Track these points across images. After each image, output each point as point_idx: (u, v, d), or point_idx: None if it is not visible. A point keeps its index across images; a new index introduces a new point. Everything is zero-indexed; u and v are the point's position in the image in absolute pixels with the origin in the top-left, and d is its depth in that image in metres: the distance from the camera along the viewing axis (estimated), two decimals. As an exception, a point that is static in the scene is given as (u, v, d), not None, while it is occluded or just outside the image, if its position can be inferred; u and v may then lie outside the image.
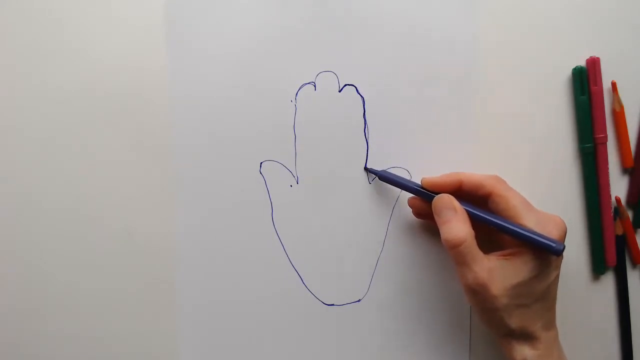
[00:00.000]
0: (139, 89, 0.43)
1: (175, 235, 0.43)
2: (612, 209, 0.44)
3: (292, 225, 0.44)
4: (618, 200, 0.44)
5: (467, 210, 0.38)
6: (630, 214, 0.44)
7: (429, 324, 0.44)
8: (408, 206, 0.43)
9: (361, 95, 0.43)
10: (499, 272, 0.36)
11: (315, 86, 0.43)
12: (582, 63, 0.43)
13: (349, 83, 0.43)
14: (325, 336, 0.44)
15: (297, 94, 0.43)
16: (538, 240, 0.36)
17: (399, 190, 0.43)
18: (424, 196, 0.40)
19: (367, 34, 0.43)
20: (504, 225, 0.37)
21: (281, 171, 0.43)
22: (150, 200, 0.43)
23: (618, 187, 0.44)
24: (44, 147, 0.43)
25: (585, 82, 0.43)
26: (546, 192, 0.44)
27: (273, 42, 0.43)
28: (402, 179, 0.42)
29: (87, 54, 0.43)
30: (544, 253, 0.37)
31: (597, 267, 0.44)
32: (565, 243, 0.44)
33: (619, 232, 0.44)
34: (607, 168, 0.43)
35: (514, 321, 0.37)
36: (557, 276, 0.38)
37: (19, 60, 0.43)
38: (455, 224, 0.37)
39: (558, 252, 0.36)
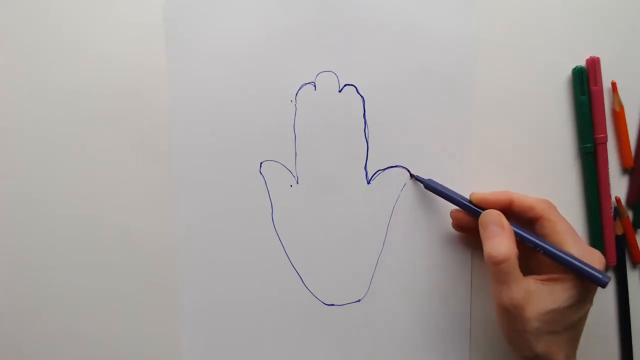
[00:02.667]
0: (139, 89, 0.43)
1: (175, 235, 0.43)
2: (612, 209, 0.44)
3: (292, 225, 0.44)
4: (618, 200, 0.44)
5: (514, 230, 0.38)
6: (630, 214, 0.44)
7: (429, 324, 0.44)
8: (450, 217, 0.42)
9: (361, 95, 0.43)
10: (535, 296, 0.36)
11: (315, 86, 0.43)
12: (582, 63, 0.43)
13: (349, 83, 0.43)
14: (325, 336, 0.44)
15: (297, 94, 0.43)
16: (586, 270, 0.36)
17: (399, 190, 0.43)
18: (470, 211, 0.40)
19: (367, 34, 0.43)
20: (551, 250, 0.37)
21: (281, 171, 0.43)
22: (150, 200, 0.43)
23: (618, 187, 0.44)
24: (44, 147, 0.43)
25: (585, 82, 0.43)
26: (546, 192, 0.44)
27: (273, 42, 0.43)
28: (449, 190, 0.41)
29: (87, 53, 0.43)
30: (584, 283, 0.36)
31: (597, 267, 0.44)
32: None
33: (619, 232, 0.44)
34: (607, 168, 0.43)
35: (541, 346, 0.37)
36: (589, 309, 0.38)
37: (19, 60, 0.43)
38: (501, 240, 0.37)
39: (604, 284, 0.36)
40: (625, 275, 0.45)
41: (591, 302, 0.38)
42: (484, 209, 0.39)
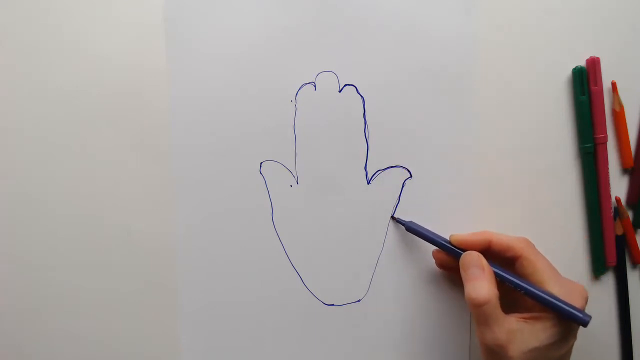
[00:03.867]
0: (139, 89, 0.43)
1: (175, 235, 0.43)
2: (612, 209, 0.44)
3: (292, 225, 0.44)
4: (618, 200, 0.44)
5: (494, 271, 0.38)
6: (630, 214, 0.44)
7: (429, 324, 0.44)
8: (432, 257, 0.43)
9: (361, 95, 0.43)
10: (518, 335, 0.36)
11: (315, 86, 0.43)
12: (582, 63, 0.43)
13: (349, 83, 0.43)
14: (325, 336, 0.44)
15: (297, 94, 0.43)
16: (566, 310, 0.36)
17: (399, 191, 0.43)
18: (451, 252, 0.40)
19: (367, 34, 0.43)
20: (532, 291, 0.37)
21: (281, 171, 0.43)
22: (150, 200, 0.43)
23: (618, 187, 0.44)
24: (44, 147, 0.43)
25: (585, 82, 0.43)
26: (546, 192, 0.44)
27: (273, 42, 0.43)
28: (430, 232, 0.42)
29: (87, 54, 0.43)
30: (566, 321, 0.37)
31: (597, 267, 0.44)
32: (565, 243, 0.44)
33: (619, 232, 0.44)
34: (607, 168, 0.43)
35: None
36: (573, 344, 0.38)
37: (19, 60, 0.43)
38: (481, 283, 0.37)
39: (585, 323, 0.36)
40: (625, 275, 0.45)
41: (575, 337, 0.38)
42: (464, 250, 0.40)
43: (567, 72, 0.43)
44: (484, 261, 0.38)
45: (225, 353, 0.44)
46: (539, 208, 0.44)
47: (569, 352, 0.38)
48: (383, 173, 0.43)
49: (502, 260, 0.39)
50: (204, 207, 0.43)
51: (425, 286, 0.44)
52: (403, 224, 0.43)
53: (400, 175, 0.43)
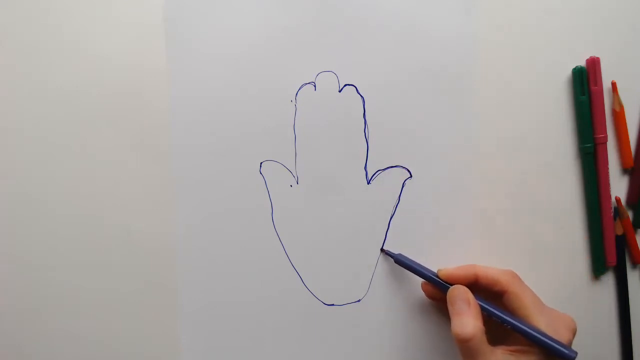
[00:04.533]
0: (139, 89, 0.43)
1: (175, 235, 0.43)
2: (612, 209, 0.44)
3: (292, 225, 0.44)
4: (618, 200, 0.44)
5: (480, 305, 0.38)
6: (630, 214, 0.44)
7: (429, 324, 0.44)
8: (421, 289, 0.43)
9: (361, 95, 0.43)
10: None
11: (315, 86, 0.43)
12: (582, 63, 0.43)
13: (349, 83, 0.43)
14: (325, 336, 0.44)
15: (297, 94, 0.43)
16: (551, 345, 0.36)
17: (399, 190, 0.43)
18: (438, 285, 0.41)
19: (367, 34, 0.43)
20: (517, 326, 0.37)
21: (281, 171, 0.43)
22: (150, 200, 0.43)
23: (618, 187, 0.44)
24: (44, 147, 0.43)
25: (585, 82, 0.43)
26: (546, 192, 0.44)
27: (273, 42, 0.43)
28: (418, 265, 0.42)
29: (87, 53, 0.43)
30: (552, 356, 0.37)
31: (597, 267, 0.44)
32: (565, 243, 0.44)
33: (619, 232, 0.44)
34: (607, 168, 0.43)
35: None
36: None
37: (19, 60, 0.43)
38: (467, 318, 0.37)
39: (570, 359, 0.36)
40: (625, 275, 0.45)
41: None
42: (451, 284, 0.40)
43: (567, 72, 0.43)
44: (470, 296, 0.39)
45: (225, 353, 0.44)
46: (539, 208, 0.44)
47: None
48: (383, 173, 0.43)
49: (489, 293, 0.40)
50: (204, 207, 0.43)
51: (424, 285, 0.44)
52: (392, 257, 0.43)
53: (400, 175, 0.43)
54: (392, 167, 0.43)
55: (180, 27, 0.43)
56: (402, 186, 0.43)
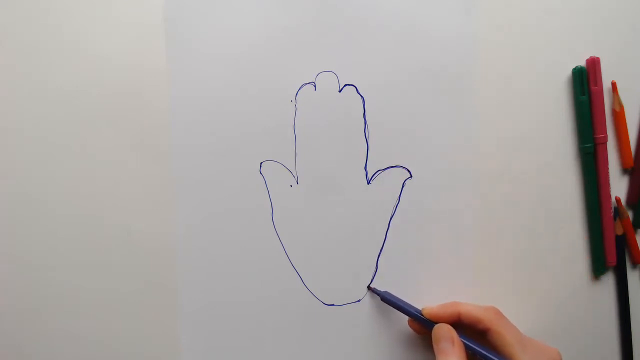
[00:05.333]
0: (139, 89, 0.43)
1: (175, 235, 0.43)
2: (612, 209, 0.44)
3: (292, 225, 0.44)
4: (618, 200, 0.44)
5: (464, 343, 0.39)
6: (630, 214, 0.44)
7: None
8: (408, 326, 0.43)
9: (361, 95, 0.43)
10: None
11: (315, 86, 0.43)
12: (582, 63, 0.43)
13: (349, 83, 0.43)
14: (325, 336, 0.44)
15: (297, 94, 0.43)
16: None
17: (399, 190, 0.43)
18: (423, 323, 0.41)
19: (367, 34, 0.43)
20: None
21: (281, 171, 0.43)
22: (150, 200, 0.43)
23: (618, 187, 0.44)
24: (44, 147, 0.43)
25: (585, 82, 0.43)
26: (546, 192, 0.44)
27: (273, 42, 0.43)
28: (403, 303, 0.42)
29: (87, 53, 0.43)
30: None
31: (597, 267, 0.44)
32: (565, 243, 0.44)
33: (619, 232, 0.44)
34: (607, 168, 0.43)
35: None
36: None
37: (19, 60, 0.43)
38: (451, 357, 0.38)
39: None
40: (625, 275, 0.45)
41: None
42: (436, 322, 0.40)
43: (567, 72, 0.43)
44: (454, 334, 0.39)
45: (225, 353, 0.44)
46: (539, 208, 0.44)
47: None
48: (383, 173, 0.43)
49: (473, 331, 0.40)
50: (204, 207, 0.43)
51: (425, 285, 0.44)
52: (378, 294, 0.43)
53: (400, 175, 0.43)
54: (392, 167, 0.43)
55: (180, 27, 0.43)
56: (402, 186, 0.43)
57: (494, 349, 0.39)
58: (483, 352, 0.39)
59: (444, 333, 0.39)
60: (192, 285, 0.44)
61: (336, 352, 0.44)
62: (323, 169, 0.43)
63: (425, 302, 0.43)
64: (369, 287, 0.44)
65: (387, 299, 0.43)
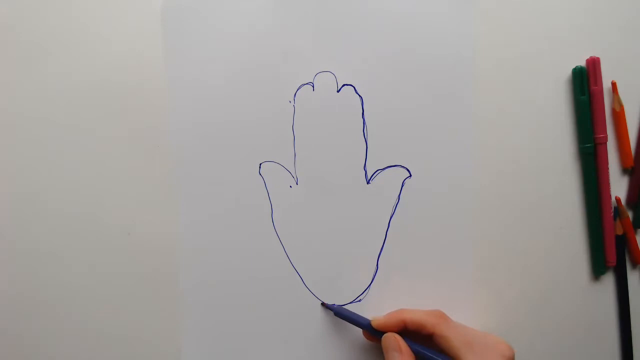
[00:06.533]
0: (139, 89, 0.43)
1: (175, 236, 0.44)
2: (612, 209, 0.44)
3: (292, 225, 0.44)
4: (618, 200, 0.44)
5: (413, 350, 0.39)
6: (630, 214, 0.44)
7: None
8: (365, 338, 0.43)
9: (359, 95, 0.43)
10: None
11: (313, 86, 0.43)
12: (582, 63, 0.43)
13: (347, 83, 0.43)
14: (325, 336, 0.44)
15: (295, 94, 0.43)
16: None
17: (399, 189, 0.43)
18: (374, 334, 0.41)
19: (365, 34, 0.43)
20: None
21: (280, 172, 0.43)
22: (150, 200, 0.43)
23: (618, 187, 0.44)
24: (44, 147, 0.43)
25: (585, 82, 0.43)
26: (546, 192, 0.44)
27: (271, 43, 0.43)
28: (355, 315, 0.43)
29: (87, 53, 0.43)
30: None
31: (597, 267, 0.44)
32: (565, 243, 0.44)
33: (619, 232, 0.44)
34: (607, 168, 0.43)
35: None
36: None
37: (19, 60, 0.43)
38: None
39: None
40: (625, 275, 0.44)
41: None
42: (385, 332, 0.41)
43: (567, 72, 0.43)
44: (401, 343, 0.39)
45: (225, 353, 0.44)
46: (539, 208, 0.44)
47: None
48: (382, 173, 0.43)
49: (421, 336, 0.40)
50: (204, 208, 0.43)
51: (425, 285, 0.44)
52: (331, 309, 0.43)
53: (399, 174, 0.43)
54: (391, 166, 0.43)
55: (179, 28, 0.43)
56: (402, 186, 0.43)
57: (441, 352, 0.39)
58: (431, 355, 0.39)
59: (391, 343, 0.40)
60: (192, 285, 0.44)
61: (336, 352, 0.44)
62: (322, 169, 0.43)
63: (426, 301, 0.43)
64: (322, 304, 0.44)
65: (340, 313, 0.43)
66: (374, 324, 0.41)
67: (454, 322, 0.40)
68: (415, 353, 0.39)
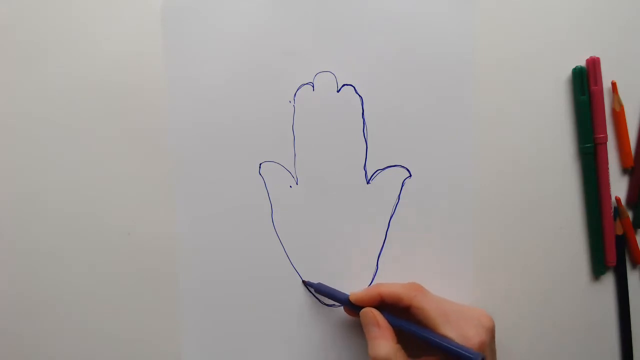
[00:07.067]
0: (139, 89, 0.43)
1: (175, 236, 0.44)
2: (612, 209, 0.44)
3: (292, 225, 0.44)
4: (618, 200, 0.44)
5: (391, 323, 0.39)
6: (630, 214, 0.44)
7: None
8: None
9: (359, 95, 0.43)
10: None
11: (313, 86, 0.43)
12: (582, 63, 0.43)
13: (347, 83, 0.43)
14: (325, 336, 0.44)
15: (295, 94, 0.43)
16: (458, 353, 0.36)
17: (399, 189, 0.43)
18: (353, 309, 0.41)
19: (365, 34, 0.43)
20: (426, 337, 0.38)
21: (280, 172, 0.43)
22: (150, 200, 0.43)
23: (618, 187, 0.44)
24: (44, 148, 0.43)
25: (585, 82, 0.43)
26: (546, 192, 0.44)
27: (271, 43, 0.43)
28: (335, 291, 0.42)
29: (87, 53, 0.43)
30: None
31: (597, 267, 0.44)
32: (565, 243, 0.44)
33: (619, 232, 0.44)
34: (607, 168, 0.43)
35: None
36: None
37: (19, 60, 0.43)
38: (379, 341, 0.38)
39: None
40: (625, 275, 0.44)
41: None
42: (363, 307, 0.41)
43: (567, 72, 0.43)
44: (379, 317, 0.39)
45: (225, 353, 0.44)
46: (539, 208, 0.44)
47: None
48: (382, 173, 0.43)
49: (399, 309, 0.40)
50: (203, 208, 0.43)
51: (425, 285, 0.44)
52: (312, 286, 0.43)
53: (399, 174, 0.43)
54: (391, 166, 0.43)
55: (179, 27, 0.43)
56: (402, 186, 0.43)
57: (418, 323, 0.39)
58: (410, 327, 0.39)
59: (368, 317, 0.40)
60: (192, 285, 0.44)
61: (336, 352, 0.44)
62: (322, 169, 0.43)
63: (425, 284, 0.43)
64: (303, 282, 0.44)
65: (320, 290, 0.43)
66: (351, 298, 0.41)
67: (430, 294, 0.40)
68: (394, 326, 0.39)
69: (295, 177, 0.43)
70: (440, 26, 0.43)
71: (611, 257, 0.44)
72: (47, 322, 0.44)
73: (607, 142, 0.43)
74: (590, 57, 0.43)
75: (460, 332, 0.38)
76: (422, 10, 0.43)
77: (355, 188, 0.43)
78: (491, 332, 0.39)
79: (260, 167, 0.43)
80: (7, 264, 0.44)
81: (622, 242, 0.44)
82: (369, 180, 0.43)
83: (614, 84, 0.43)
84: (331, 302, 0.44)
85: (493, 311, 0.42)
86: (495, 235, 0.44)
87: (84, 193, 0.44)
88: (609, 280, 0.45)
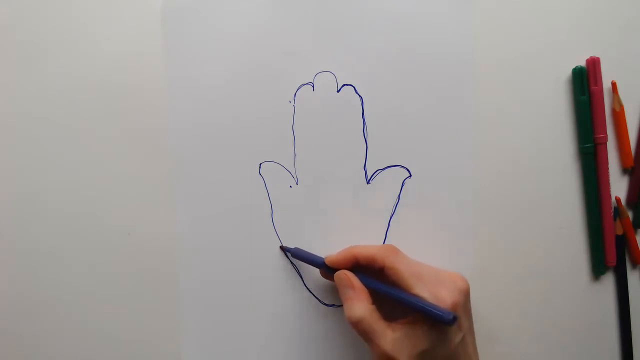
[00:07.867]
0: (139, 89, 0.43)
1: (175, 236, 0.44)
2: (612, 209, 0.44)
3: (292, 225, 0.44)
4: (618, 200, 0.44)
5: (365, 285, 0.39)
6: (630, 214, 0.44)
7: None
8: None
9: (359, 95, 0.43)
10: (403, 342, 0.37)
11: (313, 86, 0.43)
12: (582, 63, 0.43)
13: (347, 83, 0.43)
14: (325, 336, 0.44)
15: (295, 94, 0.43)
16: (429, 312, 0.36)
17: (399, 190, 0.43)
18: (329, 271, 0.41)
19: (365, 34, 0.43)
20: (399, 297, 0.38)
21: (280, 172, 0.43)
22: (150, 200, 0.43)
23: (618, 187, 0.44)
24: (44, 148, 0.43)
25: (585, 82, 0.43)
26: (546, 192, 0.44)
27: (271, 43, 0.43)
28: (311, 255, 0.42)
29: (87, 53, 0.43)
30: (437, 321, 0.36)
31: (597, 267, 0.44)
32: (565, 243, 0.44)
33: (619, 232, 0.44)
34: (607, 168, 0.43)
35: None
36: (464, 337, 0.38)
37: (19, 60, 0.43)
38: (353, 302, 0.38)
39: (449, 322, 0.35)
40: (625, 275, 0.44)
41: (460, 330, 0.38)
42: (339, 269, 0.40)
43: (567, 72, 0.43)
44: (353, 279, 0.39)
45: (225, 353, 0.44)
46: (539, 208, 0.44)
47: (461, 347, 0.38)
48: (382, 173, 0.43)
49: (373, 271, 0.40)
50: (203, 208, 0.43)
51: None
52: (289, 251, 0.43)
53: (399, 174, 0.43)
54: (391, 166, 0.43)
55: (178, 27, 0.43)
56: (402, 186, 0.43)
57: (393, 285, 0.39)
58: (384, 288, 0.39)
59: (343, 279, 0.40)
60: (192, 285, 0.44)
61: (336, 352, 0.44)
62: (322, 169, 0.43)
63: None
64: (280, 247, 0.44)
65: (297, 255, 0.43)
66: (327, 261, 0.41)
67: (405, 256, 0.40)
68: (368, 287, 0.39)
69: (295, 177, 0.43)
70: (440, 26, 0.43)
71: (611, 257, 0.44)
72: (47, 322, 0.44)
73: (607, 142, 0.43)
74: (590, 57, 0.43)
75: (434, 292, 0.37)
76: (422, 10, 0.43)
77: (355, 188, 0.43)
78: (466, 294, 0.39)
79: (260, 167, 0.43)
80: (7, 264, 0.44)
81: (622, 242, 0.44)
82: (369, 180, 0.43)
83: (614, 84, 0.43)
84: (331, 301, 0.44)
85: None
86: (495, 235, 0.44)
87: (84, 193, 0.44)
88: (609, 280, 0.45)
